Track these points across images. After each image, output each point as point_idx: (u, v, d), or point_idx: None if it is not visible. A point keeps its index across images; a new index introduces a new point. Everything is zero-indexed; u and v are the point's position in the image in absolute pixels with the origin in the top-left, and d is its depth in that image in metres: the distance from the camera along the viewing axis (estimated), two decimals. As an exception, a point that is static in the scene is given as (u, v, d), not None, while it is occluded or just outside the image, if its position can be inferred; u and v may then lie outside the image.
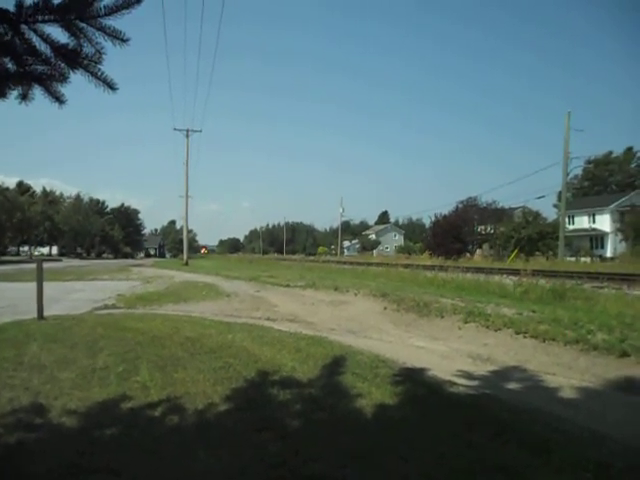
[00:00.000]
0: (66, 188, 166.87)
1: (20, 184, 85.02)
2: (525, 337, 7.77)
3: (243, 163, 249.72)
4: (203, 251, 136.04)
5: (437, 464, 3.13)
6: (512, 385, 5.57)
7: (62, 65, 2.30)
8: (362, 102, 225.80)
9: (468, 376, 5.79)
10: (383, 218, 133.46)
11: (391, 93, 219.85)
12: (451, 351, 7.54)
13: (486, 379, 5.75)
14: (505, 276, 18.47)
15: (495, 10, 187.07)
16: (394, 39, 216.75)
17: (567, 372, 6.26)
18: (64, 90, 2.43)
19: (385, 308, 11.46)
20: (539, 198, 71.20)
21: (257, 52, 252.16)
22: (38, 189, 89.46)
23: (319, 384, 4.95)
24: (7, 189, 66.13)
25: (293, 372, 5.38)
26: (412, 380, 5.18)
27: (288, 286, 16.68)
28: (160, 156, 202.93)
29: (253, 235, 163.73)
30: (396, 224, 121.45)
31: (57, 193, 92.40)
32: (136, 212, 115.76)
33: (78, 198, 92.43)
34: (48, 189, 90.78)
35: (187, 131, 47.13)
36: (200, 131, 60.67)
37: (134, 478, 2.94)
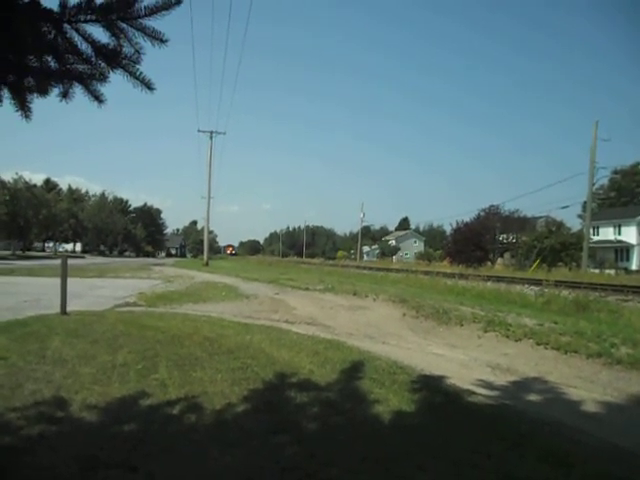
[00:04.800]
0: (90, 186, 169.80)
1: (47, 181, 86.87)
2: (546, 348, 7.66)
3: (265, 165, 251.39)
4: (229, 251, 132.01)
5: (454, 474, 3.09)
6: (532, 396, 5.48)
7: (102, 64, 2.35)
8: (386, 110, 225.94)
9: (487, 386, 5.72)
10: (403, 224, 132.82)
11: (414, 103, 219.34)
12: (470, 360, 7.46)
13: (506, 389, 5.68)
14: (527, 286, 18.24)
15: (515, 22, 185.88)
16: (419, 51, 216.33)
17: (589, 385, 6.15)
18: (102, 89, 2.48)
19: (404, 314, 11.39)
20: (563, 208, 70.01)
21: (282, 54, 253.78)
22: (64, 186, 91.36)
23: (336, 388, 4.94)
24: (34, 186, 67.49)
25: (311, 375, 5.37)
26: (430, 388, 5.14)
27: (307, 289, 16.70)
28: (183, 156, 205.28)
29: (273, 237, 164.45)
30: (416, 230, 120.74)
31: (82, 191, 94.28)
32: (158, 212, 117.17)
33: (103, 196, 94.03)
34: (73, 187, 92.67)
35: (211, 133, 47.57)
36: (224, 133, 61.27)
37: (151, 474, 2.96)
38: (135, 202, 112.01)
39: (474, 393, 5.10)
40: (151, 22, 2.23)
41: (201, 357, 6.03)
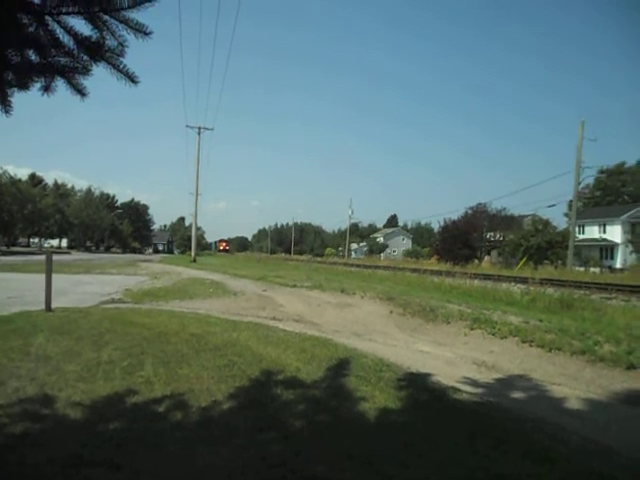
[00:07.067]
0: (76, 181, 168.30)
1: (33, 176, 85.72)
2: (531, 346, 7.73)
3: (253, 162, 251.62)
4: (222, 246, 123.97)
5: (438, 471, 3.11)
6: (517, 394, 5.53)
7: (85, 57, 2.31)
8: (375, 106, 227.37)
9: (473, 383, 5.76)
10: (392, 221, 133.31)
11: (403, 99, 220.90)
12: (456, 357, 7.51)
13: (491, 387, 5.72)
14: (513, 284, 18.39)
15: (506, 19, 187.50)
16: (411, 47, 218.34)
17: (572, 383, 6.22)
18: (86, 83, 2.45)
19: (391, 312, 11.43)
20: (550, 207, 70.76)
21: (270, 51, 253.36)
22: (49, 181, 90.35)
23: (323, 386, 4.94)
24: (19, 181, 66.64)
25: (297, 373, 5.38)
26: (416, 385, 5.16)
27: (295, 286, 16.68)
28: (170, 152, 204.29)
29: (261, 234, 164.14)
30: (404, 228, 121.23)
31: (68, 186, 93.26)
32: (145, 208, 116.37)
33: (89, 192, 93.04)
34: (59, 182, 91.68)
35: (199, 129, 47.33)
36: (212, 129, 60.51)
37: (135, 472, 2.95)
38: (122, 198, 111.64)
39: (459, 390, 5.12)
40: (134, 14, 2.20)
41: (187, 354, 6.01)
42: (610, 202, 70.94)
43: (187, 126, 48.34)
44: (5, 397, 4.16)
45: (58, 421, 3.72)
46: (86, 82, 2.43)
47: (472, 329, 9.05)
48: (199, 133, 47.35)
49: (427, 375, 5.77)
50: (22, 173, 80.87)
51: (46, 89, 2.42)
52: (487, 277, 22.88)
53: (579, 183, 37.87)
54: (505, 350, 7.82)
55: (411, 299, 12.18)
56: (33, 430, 3.50)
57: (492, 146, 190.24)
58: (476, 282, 18.49)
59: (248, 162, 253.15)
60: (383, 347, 7.88)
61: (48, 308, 9.24)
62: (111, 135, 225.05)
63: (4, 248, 61.48)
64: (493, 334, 8.55)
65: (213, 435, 3.55)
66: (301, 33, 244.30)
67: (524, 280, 19.12)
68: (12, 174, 64.16)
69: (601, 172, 71.30)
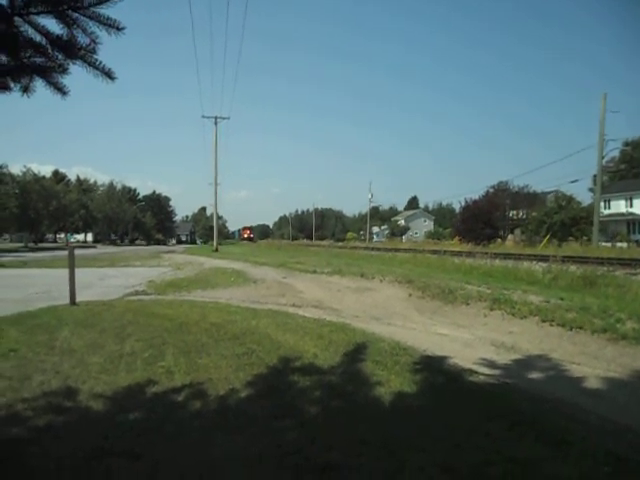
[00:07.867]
0: (98, 176, 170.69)
1: (56, 173, 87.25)
2: (551, 325, 7.66)
3: (272, 149, 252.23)
4: (247, 234, 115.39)
5: (453, 454, 3.12)
6: (535, 374, 5.49)
7: (59, 56, 2.32)
8: (392, 97, 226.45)
9: (490, 365, 5.74)
10: (412, 203, 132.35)
11: (419, 89, 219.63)
12: (475, 339, 7.47)
13: (508, 368, 5.69)
14: (535, 262, 18.10)
15: (520, 13, 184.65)
16: (424, 38, 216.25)
17: (593, 362, 6.14)
18: (65, 81, 2.46)
19: (410, 295, 11.41)
20: (572, 182, 68.91)
21: (288, 40, 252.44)
22: (72, 177, 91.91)
23: (339, 371, 4.99)
24: (43, 178, 67.92)
25: (314, 359, 5.43)
26: (432, 368, 5.17)
27: (315, 272, 16.73)
28: (189, 143, 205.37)
29: (282, 221, 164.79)
30: (426, 209, 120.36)
31: (91, 181, 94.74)
32: (167, 199, 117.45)
33: (111, 186, 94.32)
34: (82, 177, 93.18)
35: (215, 118, 47.47)
36: (228, 118, 60.73)
37: (154, 462, 3.03)
38: (144, 190, 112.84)
39: (476, 373, 5.12)
40: (105, 10, 2.20)
41: (207, 343, 6.11)
42: (637, 175, 69.06)
43: (203, 116, 48.67)
44: (30, 391, 4.30)
45: (81, 413, 3.84)
46: (65, 80, 2.44)
47: (491, 310, 8.99)
48: (216, 123, 47.54)
49: (444, 358, 5.78)
50: (46, 170, 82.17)
51: (25, 90, 2.44)
52: (508, 256, 22.59)
53: (603, 157, 36.98)
54: (525, 330, 7.75)
55: (430, 281, 12.13)
56: (56, 422, 3.62)
57: (509, 136, 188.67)
58: (497, 262, 18.30)
59: (267, 150, 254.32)
60: (401, 330, 7.89)
61: (72, 302, 9.46)
62: (131, 129, 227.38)
63: (32, 245, 62.93)
64: (513, 314, 8.48)
65: (230, 424, 3.62)
66: (318, 23, 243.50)
67: (546, 258, 18.85)
68: (36, 171, 65.44)
69: (626, 144, 69.40)
